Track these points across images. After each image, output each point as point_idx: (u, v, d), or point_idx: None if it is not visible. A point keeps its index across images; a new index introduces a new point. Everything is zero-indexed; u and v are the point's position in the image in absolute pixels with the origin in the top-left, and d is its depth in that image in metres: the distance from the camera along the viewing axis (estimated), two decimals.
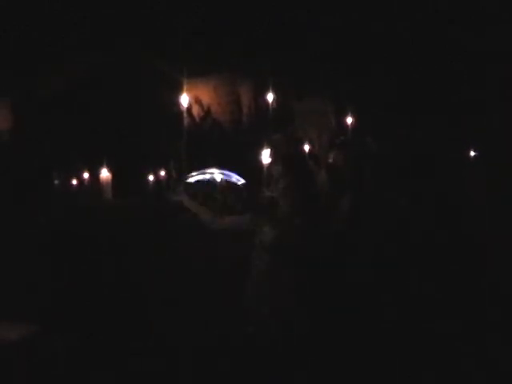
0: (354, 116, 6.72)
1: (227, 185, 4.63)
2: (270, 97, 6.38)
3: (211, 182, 4.59)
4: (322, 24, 7.84)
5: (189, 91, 5.56)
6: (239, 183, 4.64)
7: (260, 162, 4.08)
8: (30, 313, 3.94)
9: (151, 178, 8.62)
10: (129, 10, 7.98)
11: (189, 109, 8.31)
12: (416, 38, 7.55)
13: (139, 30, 8.39)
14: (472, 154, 6.73)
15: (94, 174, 7.39)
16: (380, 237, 4.25)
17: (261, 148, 4.21)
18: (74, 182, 7.72)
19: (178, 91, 5.62)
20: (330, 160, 5.01)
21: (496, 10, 6.84)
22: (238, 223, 3.62)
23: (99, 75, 8.91)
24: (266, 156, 4.14)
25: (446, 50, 7.46)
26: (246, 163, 5.21)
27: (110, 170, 7.29)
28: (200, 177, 4.62)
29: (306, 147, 6.28)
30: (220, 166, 4.77)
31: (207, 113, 9.48)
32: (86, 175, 7.71)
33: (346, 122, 6.76)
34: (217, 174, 4.69)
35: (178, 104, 5.82)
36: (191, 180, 4.58)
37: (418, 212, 5.02)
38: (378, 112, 7.39)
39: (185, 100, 4.96)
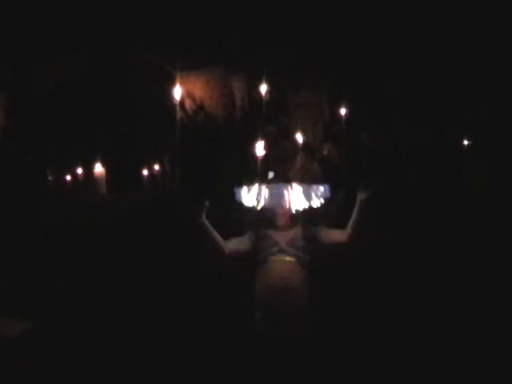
0: (348, 109, 6.72)
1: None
2: (263, 89, 6.35)
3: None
4: (317, 17, 7.82)
5: (181, 85, 5.54)
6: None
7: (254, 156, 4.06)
8: (29, 309, 3.94)
9: (145, 172, 8.63)
10: (123, 5, 7.95)
11: (181, 102, 8.28)
12: (412, 32, 7.55)
13: (133, 25, 8.36)
14: (466, 142, 6.73)
15: (88, 169, 7.39)
16: (377, 232, 4.26)
17: (255, 141, 4.18)
18: (68, 177, 7.72)
19: (171, 85, 5.59)
20: (325, 152, 5.01)
21: (490, 10, 6.86)
22: (243, 245, 3.52)
23: (93, 71, 8.88)
24: (260, 149, 4.08)
25: (442, 44, 7.47)
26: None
27: (104, 164, 7.28)
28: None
29: (300, 139, 6.26)
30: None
31: (200, 106, 9.45)
32: (79, 171, 7.71)
33: (340, 114, 6.75)
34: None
35: (170, 98, 5.79)
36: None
37: (415, 206, 5.03)
38: (374, 106, 7.39)
39: (178, 93, 4.93)
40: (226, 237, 3.53)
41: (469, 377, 3.74)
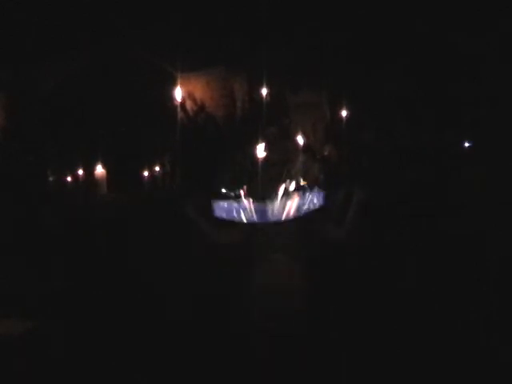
0: (349, 109, 6.72)
1: None
2: (263, 90, 6.35)
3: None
4: (317, 17, 7.82)
5: (182, 86, 5.54)
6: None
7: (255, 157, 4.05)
8: (29, 309, 3.94)
9: (145, 172, 8.63)
10: (123, 5, 7.96)
11: (182, 104, 8.28)
12: (412, 32, 7.55)
13: (133, 25, 8.37)
14: (467, 144, 6.74)
15: (89, 170, 7.39)
16: (375, 232, 4.26)
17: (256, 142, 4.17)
18: (69, 177, 7.72)
19: (171, 85, 5.60)
20: (325, 153, 5.01)
21: (490, 10, 6.86)
22: (236, 236, 3.53)
23: (93, 71, 8.89)
24: (260, 150, 4.07)
25: (442, 44, 7.47)
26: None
27: (104, 165, 7.28)
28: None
29: (301, 140, 6.26)
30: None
31: (200, 107, 9.44)
32: (80, 171, 7.71)
33: (340, 114, 6.75)
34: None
35: (171, 98, 5.79)
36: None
37: (415, 206, 5.03)
38: (374, 106, 7.39)
39: (178, 95, 4.93)
40: (220, 227, 3.53)
41: (469, 377, 3.74)
